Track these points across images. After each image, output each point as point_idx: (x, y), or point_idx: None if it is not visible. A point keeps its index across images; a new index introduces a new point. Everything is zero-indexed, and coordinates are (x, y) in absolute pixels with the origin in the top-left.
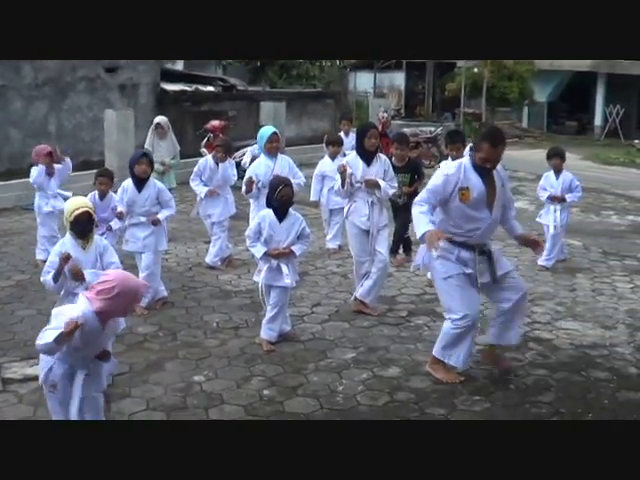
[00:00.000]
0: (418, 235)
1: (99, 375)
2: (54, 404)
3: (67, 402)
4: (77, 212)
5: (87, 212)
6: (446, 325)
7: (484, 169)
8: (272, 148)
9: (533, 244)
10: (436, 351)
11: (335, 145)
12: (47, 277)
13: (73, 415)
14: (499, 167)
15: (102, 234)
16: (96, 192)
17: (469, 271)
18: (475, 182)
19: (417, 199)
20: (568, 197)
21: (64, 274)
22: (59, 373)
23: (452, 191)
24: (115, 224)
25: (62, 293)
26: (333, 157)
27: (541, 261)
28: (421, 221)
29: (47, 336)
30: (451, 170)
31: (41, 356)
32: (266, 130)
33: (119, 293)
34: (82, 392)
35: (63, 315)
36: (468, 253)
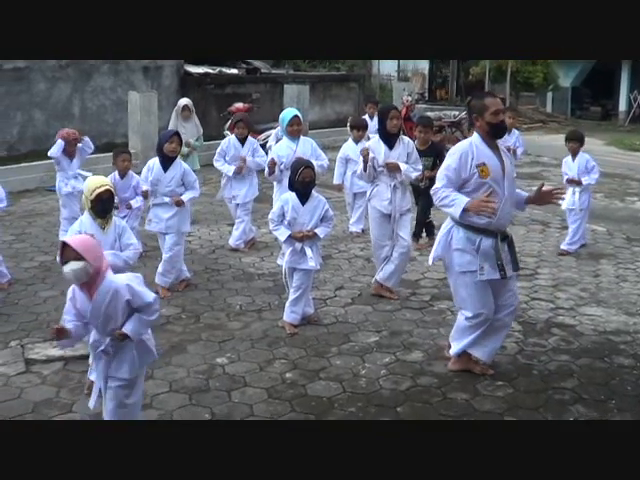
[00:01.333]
0: (458, 214)
1: (122, 359)
2: None
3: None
4: (99, 190)
5: (109, 190)
6: (460, 318)
7: (501, 134)
8: (293, 131)
9: (548, 195)
10: (450, 338)
11: (360, 129)
12: None
13: (92, 396)
14: (501, 144)
15: (124, 217)
16: (116, 172)
17: (487, 265)
18: (490, 157)
19: (435, 187)
20: (584, 180)
21: None
22: (89, 343)
23: (470, 169)
24: (135, 202)
25: None
26: (357, 140)
27: (564, 245)
28: (454, 200)
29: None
30: (463, 147)
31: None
32: (287, 113)
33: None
34: (100, 368)
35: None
36: (490, 240)
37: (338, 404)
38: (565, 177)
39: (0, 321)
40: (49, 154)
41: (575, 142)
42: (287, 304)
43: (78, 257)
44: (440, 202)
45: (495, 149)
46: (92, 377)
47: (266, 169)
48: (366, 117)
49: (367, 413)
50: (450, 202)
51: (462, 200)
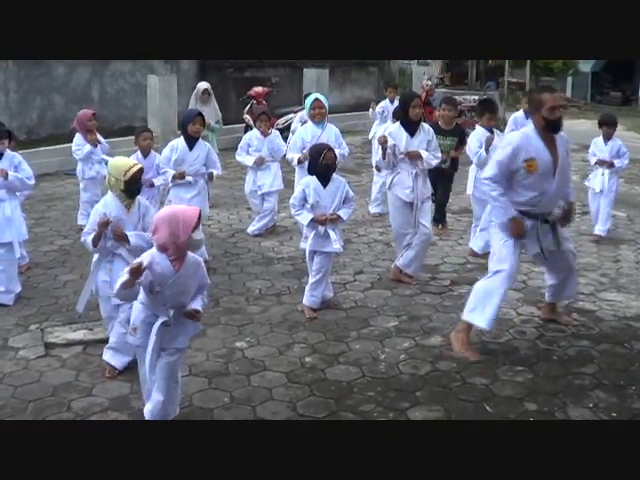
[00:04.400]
0: (503, 218)
1: (180, 331)
2: (137, 348)
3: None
4: (133, 169)
5: (142, 169)
6: (479, 282)
7: (556, 129)
8: (315, 115)
9: (566, 217)
10: (465, 314)
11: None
12: (88, 238)
13: (146, 364)
14: (563, 133)
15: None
16: (138, 152)
17: (527, 241)
18: (541, 151)
19: (487, 174)
20: (617, 162)
21: (104, 236)
22: (141, 318)
23: (518, 162)
24: (157, 180)
25: (102, 253)
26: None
27: (597, 231)
28: (505, 205)
29: (117, 283)
30: (516, 140)
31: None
32: (309, 97)
33: (157, 224)
34: (158, 339)
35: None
36: (530, 221)
37: (357, 388)
38: (594, 158)
39: (20, 305)
40: (79, 158)
41: (611, 126)
42: (307, 288)
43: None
44: (491, 195)
45: (550, 143)
46: (106, 357)
47: (295, 160)
48: (386, 101)
49: (386, 397)
50: (501, 205)
51: (510, 212)
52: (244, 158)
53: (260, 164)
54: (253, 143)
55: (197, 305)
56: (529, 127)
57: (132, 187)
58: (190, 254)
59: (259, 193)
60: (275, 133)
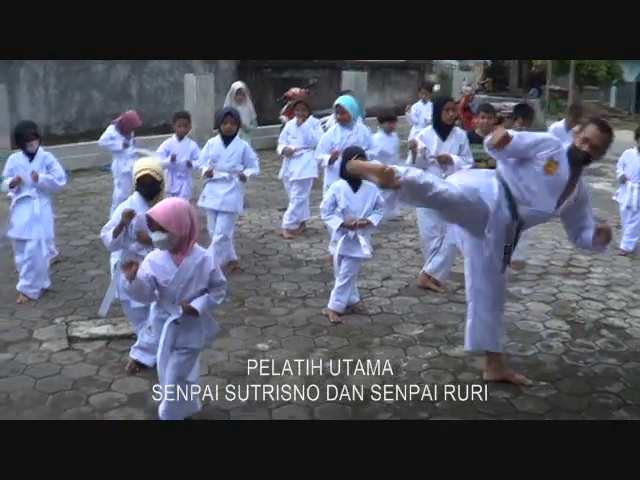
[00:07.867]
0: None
1: (190, 329)
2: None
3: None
4: (140, 173)
5: (148, 175)
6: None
7: (577, 161)
8: (338, 119)
9: (604, 233)
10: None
11: (391, 121)
12: (107, 232)
13: (158, 360)
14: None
15: (175, 193)
16: (174, 135)
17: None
18: (564, 166)
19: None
20: None
21: (127, 233)
22: (154, 316)
23: (541, 154)
24: (194, 162)
25: (124, 255)
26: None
27: (621, 245)
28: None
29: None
30: (553, 137)
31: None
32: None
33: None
34: (168, 337)
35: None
36: (509, 218)
37: (376, 396)
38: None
39: (46, 298)
40: (113, 150)
41: None
42: (333, 292)
43: (162, 228)
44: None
45: (575, 170)
46: (134, 356)
47: (325, 160)
48: (419, 102)
49: (405, 407)
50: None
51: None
52: (279, 147)
53: (288, 155)
54: (291, 131)
55: (196, 304)
56: (567, 144)
57: (141, 190)
58: (198, 249)
59: (290, 180)
60: (311, 122)
